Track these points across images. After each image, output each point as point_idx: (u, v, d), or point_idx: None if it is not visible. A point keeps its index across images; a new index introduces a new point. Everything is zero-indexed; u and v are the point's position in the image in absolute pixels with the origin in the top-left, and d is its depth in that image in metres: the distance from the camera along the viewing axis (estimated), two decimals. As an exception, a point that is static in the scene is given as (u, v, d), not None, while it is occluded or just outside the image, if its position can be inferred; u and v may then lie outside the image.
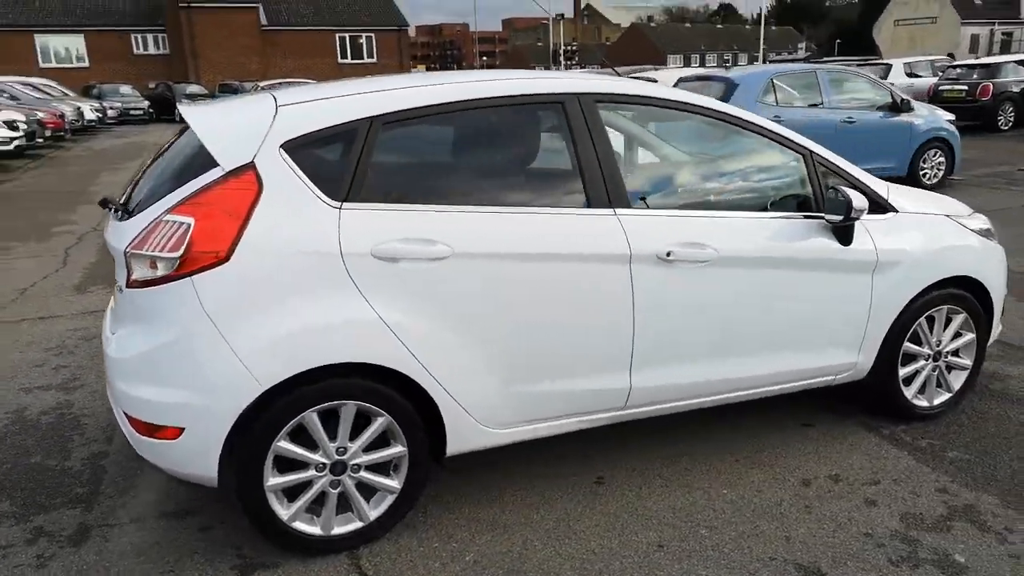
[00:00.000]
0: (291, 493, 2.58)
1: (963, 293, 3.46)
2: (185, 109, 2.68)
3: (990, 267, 3.53)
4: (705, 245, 2.90)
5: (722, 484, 3.05)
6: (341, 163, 2.53)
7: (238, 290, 2.36)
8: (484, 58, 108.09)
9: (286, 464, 2.53)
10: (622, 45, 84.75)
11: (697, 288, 2.92)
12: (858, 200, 2.99)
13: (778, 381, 3.22)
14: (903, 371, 3.47)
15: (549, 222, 2.71)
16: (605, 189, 2.82)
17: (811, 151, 3.19)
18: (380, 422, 2.58)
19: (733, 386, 3.13)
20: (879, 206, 3.30)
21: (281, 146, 2.48)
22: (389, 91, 2.66)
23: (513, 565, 2.57)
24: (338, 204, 2.48)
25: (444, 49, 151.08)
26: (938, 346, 3.52)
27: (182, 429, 2.39)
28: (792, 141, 3.18)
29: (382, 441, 2.64)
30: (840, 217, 3.01)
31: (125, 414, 2.49)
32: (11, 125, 13.40)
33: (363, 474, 2.62)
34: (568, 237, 2.72)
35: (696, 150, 3.37)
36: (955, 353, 3.60)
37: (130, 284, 2.44)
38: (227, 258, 2.35)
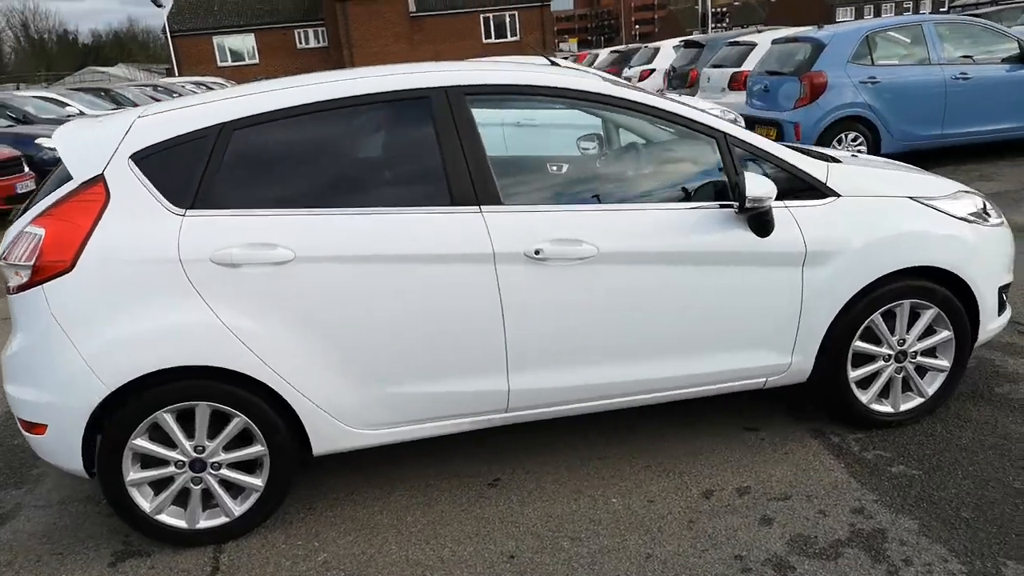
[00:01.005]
0: (159, 486, 2.72)
1: (931, 286, 3.02)
2: (58, 130, 2.85)
3: (974, 255, 3.05)
4: (581, 241, 2.73)
5: (616, 492, 2.89)
6: (189, 171, 2.61)
7: (82, 297, 2.52)
8: (637, 26, 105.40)
9: (148, 460, 2.67)
10: (788, 2, 79.60)
11: (577, 287, 2.76)
12: (756, 186, 2.68)
13: (696, 383, 2.98)
14: (856, 373, 3.09)
15: (407, 222, 2.66)
16: (471, 186, 2.72)
17: (725, 134, 2.90)
18: (236, 422, 2.66)
19: (643, 388, 2.93)
20: (815, 191, 2.94)
21: (130, 157, 2.60)
22: (241, 97, 2.71)
23: (357, 569, 2.58)
24: (182, 212, 2.57)
25: (601, 20, 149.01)
26: (902, 345, 3.11)
27: (46, 426, 2.59)
28: (701, 124, 2.90)
29: (244, 440, 2.72)
30: (736, 206, 2.71)
31: None
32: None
33: (225, 472, 2.72)
34: (428, 238, 2.66)
35: (594, 140, 3.16)
36: (929, 353, 3.16)
37: (8, 291, 2.66)
38: (71, 267, 2.51)
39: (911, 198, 3.05)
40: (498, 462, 3.16)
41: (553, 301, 2.76)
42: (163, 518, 2.72)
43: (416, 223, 2.66)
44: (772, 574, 2.39)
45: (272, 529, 2.83)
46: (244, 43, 43.42)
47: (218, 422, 2.67)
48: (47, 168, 10.85)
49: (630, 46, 18.36)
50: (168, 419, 2.62)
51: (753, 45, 10.84)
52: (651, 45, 16.83)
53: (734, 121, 8.08)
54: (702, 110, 2.99)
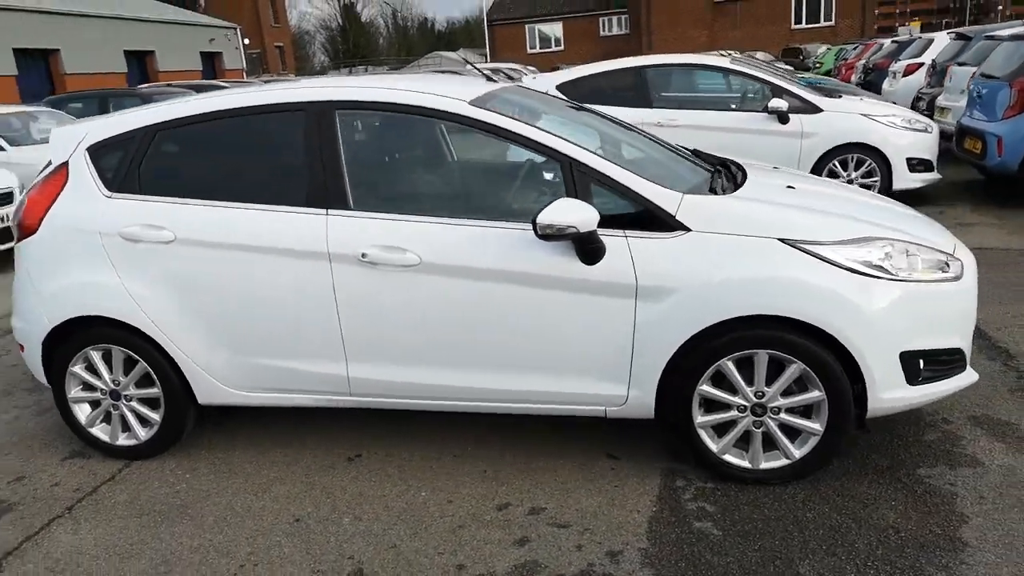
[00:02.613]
0: (95, 404, 3.48)
1: (792, 338, 2.73)
2: (55, 128, 3.67)
3: (855, 311, 2.68)
4: (406, 250, 2.94)
5: (433, 487, 3.07)
6: (120, 163, 3.30)
7: (40, 254, 3.33)
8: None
9: (88, 385, 3.43)
10: None
11: (402, 292, 2.98)
12: (554, 212, 2.66)
13: (527, 400, 3.03)
14: (706, 418, 2.90)
15: (267, 218, 3.09)
16: (325, 190, 3.06)
17: (572, 159, 2.87)
18: (139, 366, 3.32)
19: (472, 395, 3.07)
20: (662, 223, 2.81)
21: (87, 149, 3.35)
22: (171, 105, 3.32)
23: (193, 500, 3.10)
24: (109, 195, 3.27)
25: None
26: (760, 398, 2.84)
27: (23, 347, 3.47)
28: (550, 148, 2.90)
29: (148, 382, 3.37)
30: (539, 232, 2.71)
31: None
32: None
33: (133, 403, 3.40)
34: (282, 233, 3.07)
35: (462, 155, 3.26)
36: (799, 412, 2.84)
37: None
38: (35, 230, 3.33)
39: (781, 240, 2.76)
40: (370, 441, 3.47)
41: (381, 302, 3.01)
42: (96, 431, 3.47)
43: (274, 219, 3.08)
44: (471, 589, 2.47)
45: (162, 459, 3.45)
46: (552, 31, 45.69)
47: (129, 364, 3.34)
48: None
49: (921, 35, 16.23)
50: (95, 356, 3.35)
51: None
52: (926, 36, 14.88)
53: (924, 130, 7.16)
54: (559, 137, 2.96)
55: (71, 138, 3.41)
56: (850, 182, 7.14)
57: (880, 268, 2.74)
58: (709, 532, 2.66)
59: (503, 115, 2.98)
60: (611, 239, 2.81)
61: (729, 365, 2.81)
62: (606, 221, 2.81)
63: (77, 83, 26.79)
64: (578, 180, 2.86)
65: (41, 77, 27.67)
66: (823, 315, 2.68)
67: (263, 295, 3.11)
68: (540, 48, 44.41)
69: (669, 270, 2.78)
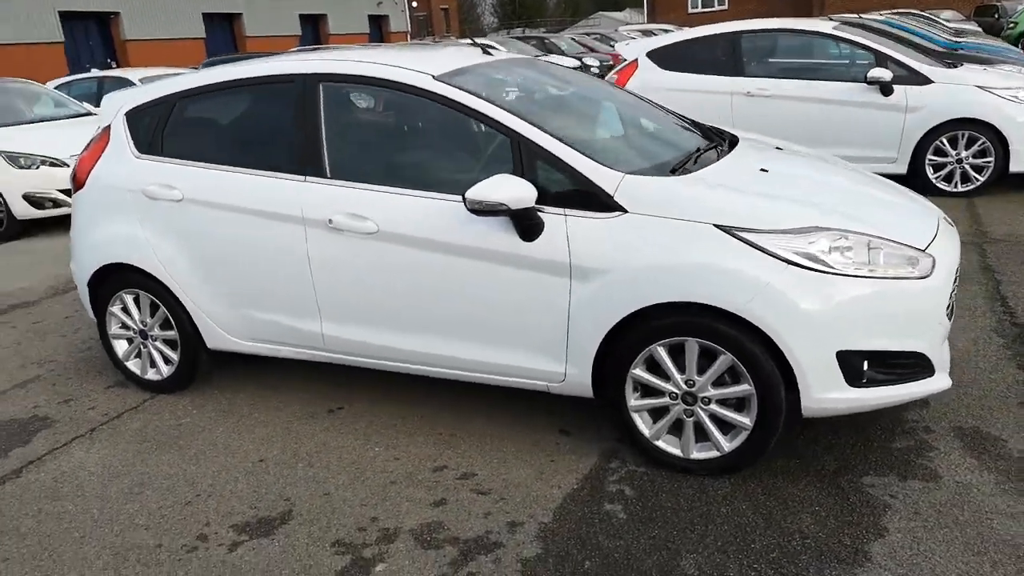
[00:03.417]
0: (129, 341, 3.96)
1: (721, 328, 2.66)
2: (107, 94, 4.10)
3: (788, 304, 2.56)
4: (366, 218, 3.12)
5: (387, 443, 3.27)
6: (150, 127, 3.69)
7: (86, 206, 3.81)
8: None
9: (123, 324, 3.91)
10: None
11: (364, 258, 3.17)
12: (485, 188, 2.73)
13: (480, 370, 3.15)
14: (639, 402, 2.90)
15: (257, 183, 3.37)
16: (305, 158, 3.29)
17: (519, 135, 2.91)
18: (160, 311, 3.74)
19: (430, 360, 3.23)
20: (601, 203, 2.80)
21: (125, 113, 3.77)
22: (194, 74, 3.66)
23: (188, 432, 3.50)
24: (139, 155, 3.67)
25: None
26: (691, 387, 2.79)
27: (76, 287, 4.00)
28: (500, 124, 2.95)
29: (168, 325, 3.78)
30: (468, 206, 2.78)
31: None
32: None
33: (158, 343, 3.84)
34: (266, 197, 3.34)
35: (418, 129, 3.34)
36: (730, 404, 2.77)
37: (81, 197, 4.10)
38: (82, 186, 3.81)
39: (716, 225, 2.67)
40: (354, 396, 3.72)
41: (346, 266, 3.21)
42: (130, 365, 3.96)
43: (262, 184, 3.35)
44: (379, 536, 2.65)
45: (180, 395, 3.87)
46: (717, -12, 43.58)
47: (154, 308, 3.77)
48: None
49: None
50: (128, 298, 3.81)
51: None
52: None
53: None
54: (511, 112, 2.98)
55: (116, 104, 3.84)
56: (959, 162, 6.50)
57: (819, 261, 2.59)
58: (615, 515, 2.68)
59: (463, 90, 3.05)
60: (551, 217, 2.84)
61: (660, 351, 2.78)
62: (552, 198, 2.84)
63: (257, 45, 28.90)
64: (525, 156, 2.90)
65: (226, 40, 30.08)
66: (749, 306, 2.59)
67: (252, 253, 3.40)
68: (702, 7, 42.46)
69: (602, 251, 2.77)
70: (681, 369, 2.78)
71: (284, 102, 3.38)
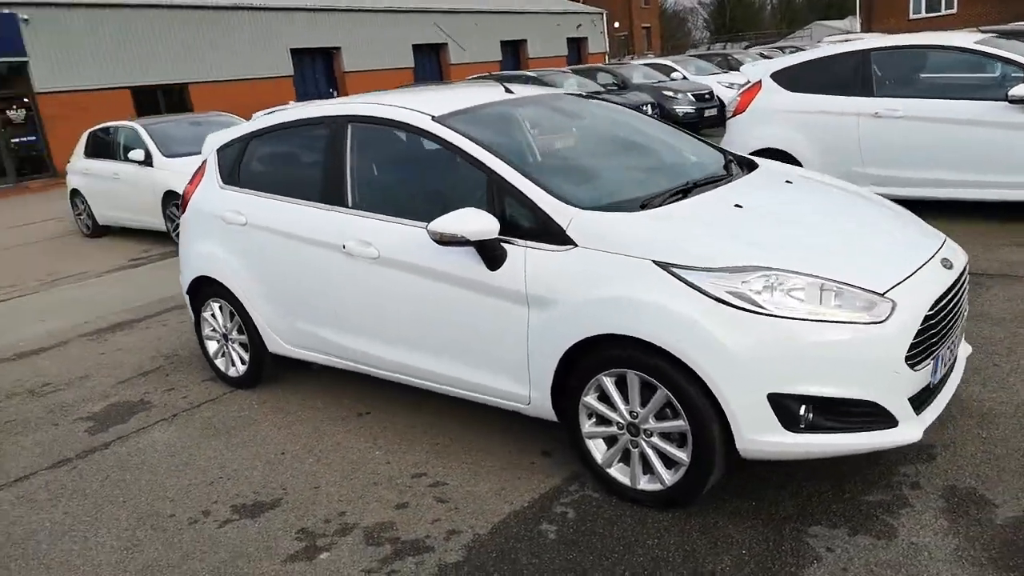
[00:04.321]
0: (218, 342, 4.61)
1: (657, 363, 2.69)
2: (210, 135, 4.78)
3: (716, 344, 2.54)
4: (370, 244, 3.47)
5: (387, 447, 3.59)
6: (232, 162, 4.32)
7: (186, 228, 4.53)
8: None
9: (212, 326, 4.59)
10: None
11: (371, 280, 3.52)
12: (445, 221, 2.96)
13: (463, 387, 3.37)
14: (594, 429, 2.98)
15: (300, 211, 3.86)
16: (332, 190, 3.72)
17: (492, 170, 3.11)
18: (236, 318, 4.35)
19: (422, 375, 3.51)
20: (556, 236, 2.94)
21: (216, 149, 4.44)
22: (267, 116, 4.24)
23: (226, 424, 4.05)
24: (223, 186, 4.32)
25: None
26: (634, 418, 2.84)
27: (183, 289, 4.75)
28: (477, 160, 3.16)
29: (240, 330, 4.38)
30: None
31: None
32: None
33: (235, 345, 4.46)
34: (305, 224, 3.81)
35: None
36: (672, 439, 2.78)
37: (193, 218, 4.84)
38: (186, 208, 4.53)
39: (656, 262, 2.70)
40: (383, 403, 4.07)
41: (356, 285, 3.58)
42: (217, 363, 4.62)
43: (304, 212, 3.82)
44: (337, 529, 2.97)
45: (252, 391, 4.45)
46: (948, -9, 39.74)
47: (232, 316, 4.39)
48: None
49: None
50: (215, 306, 4.46)
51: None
52: None
53: None
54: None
55: (213, 142, 4.53)
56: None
57: (751, 300, 2.55)
58: (546, 534, 2.79)
59: (453, 130, 3.31)
60: (516, 248, 3.01)
61: (606, 381, 2.85)
62: (518, 231, 3.02)
63: (459, 71, 30.80)
64: (496, 191, 3.10)
65: (433, 68, 32.37)
66: (679, 343, 2.60)
67: (294, 272, 3.88)
68: (926, 12, 38.81)
69: (554, 282, 2.90)
70: (628, 400, 2.84)
71: (319, 141, 3.84)
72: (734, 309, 2.55)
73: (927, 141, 6.32)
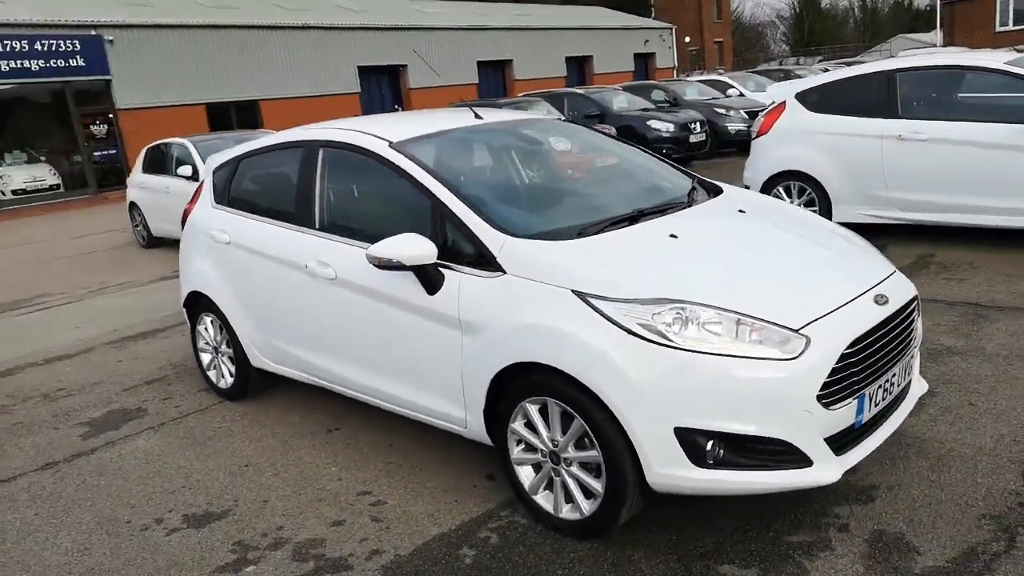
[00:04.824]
0: (210, 356, 4.80)
1: (573, 393, 2.69)
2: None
3: (623, 376, 2.52)
4: (328, 265, 3.58)
5: (345, 465, 3.67)
6: (223, 182, 4.51)
7: (184, 244, 4.75)
8: None
9: (205, 339, 4.78)
10: None
11: (331, 299, 3.62)
12: (382, 246, 3.02)
13: (409, 408, 3.42)
14: (522, 456, 2.99)
15: (271, 231, 4.00)
16: (302, 212, 3.84)
17: (435, 196, 3.17)
18: (224, 332, 4.53)
19: (379, 396, 3.58)
20: (489, 263, 2.97)
21: (212, 170, 4.65)
22: (255, 140, 4.41)
23: (202, 435, 4.21)
24: (215, 205, 4.51)
25: None
26: (556, 446, 2.84)
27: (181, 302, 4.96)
28: (423, 186, 3.22)
29: (228, 344, 4.55)
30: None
31: None
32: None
33: (224, 359, 4.63)
34: (275, 244, 3.95)
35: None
36: (591, 469, 2.77)
37: (196, 235, 5.07)
38: (184, 225, 4.75)
39: (574, 291, 2.71)
40: (354, 419, 4.16)
41: (320, 307, 3.69)
42: (210, 374, 4.81)
43: (275, 232, 3.96)
44: (271, 543, 3.06)
45: (236, 403, 4.60)
46: (1038, 2, 37.86)
47: (220, 329, 4.57)
48: (659, 144, 13.40)
49: None
50: (207, 319, 4.65)
51: None
52: None
53: None
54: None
55: (212, 162, 4.73)
56: None
57: (659, 333, 2.52)
58: (462, 559, 2.81)
59: (404, 155, 3.38)
60: (453, 274, 3.06)
61: (530, 408, 2.86)
62: (458, 257, 3.07)
63: (523, 87, 31.06)
64: (439, 217, 3.16)
65: (498, 83, 32.74)
66: (590, 373, 2.60)
67: (267, 290, 4.02)
68: (1013, 25, 37.06)
69: (484, 308, 2.94)
70: (551, 428, 2.84)
71: (295, 164, 3.97)
72: (644, 341, 2.53)
73: (952, 165, 6.08)
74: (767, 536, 2.75)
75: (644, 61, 39.62)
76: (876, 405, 2.74)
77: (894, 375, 2.81)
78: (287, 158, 4.10)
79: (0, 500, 3.72)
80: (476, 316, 2.95)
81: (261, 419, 4.35)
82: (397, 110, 28.54)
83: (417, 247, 3.01)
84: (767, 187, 7.31)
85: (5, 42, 19.74)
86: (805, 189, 7.05)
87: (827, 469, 2.54)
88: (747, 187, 7.56)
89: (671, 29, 40.84)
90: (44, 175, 20.86)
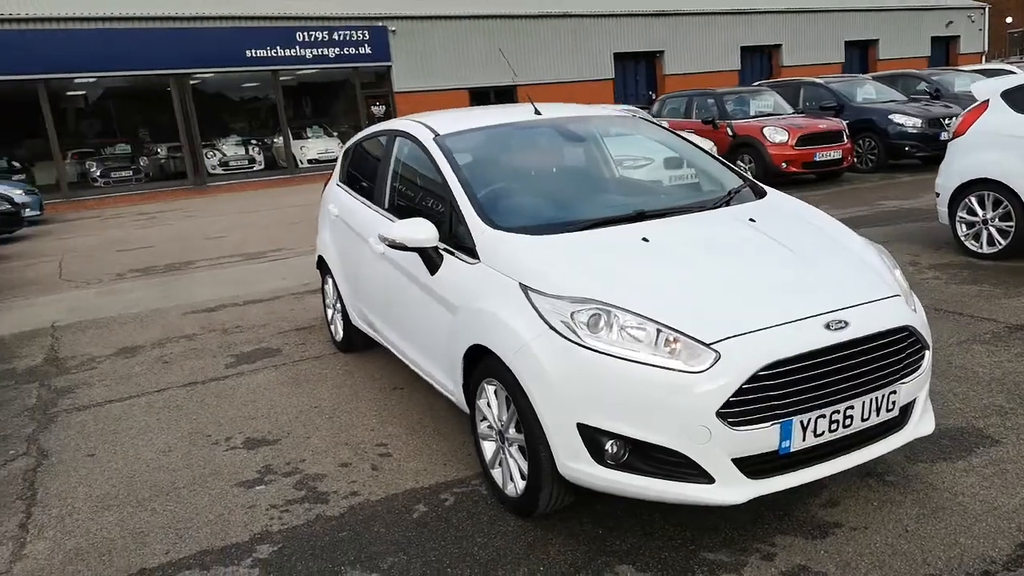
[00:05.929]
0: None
1: (511, 379, 2.85)
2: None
3: (538, 368, 2.65)
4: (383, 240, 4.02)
5: (385, 421, 4.12)
6: (344, 163, 5.15)
7: (320, 212, 5.49)
8: None
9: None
10: None
11: (379, 270, 4.09)
12: (395, 228, 3.38)
13: (422, 371, 3.79)
14: (487, 431, 3.20)
15: (363, 210, 4.54)
16: (378, 192, 4.33)
17: (448, 187, 3.46)
18: (338, 292, 5.21)
19: (405, 358, 4.00)
20: (471, 251, 3.21)
21: (343, 151, 5.32)
22: (364, 131, 4.98)
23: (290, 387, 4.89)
24: (337, 183, 5.18)
25: None
26: (501, 425, 3.02)
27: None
28: (443, 176, 3.53)
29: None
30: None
31: None
32: None
33: (336, 315, 5.31)
34: (359, 219, 4.49)
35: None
36: (523, 451, 2.92)
37: (340, 206, 5.81)
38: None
39: (520, 284, 2.85)
40: (418, 383, 4.57)
41: (373, 273, 4.17)
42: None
43: (359, 209, 4.50)
44: (288, 471, 3.60)
45: (343, 355, 5.25)
46: None
47: (334, 287, 5.24)
48: (902, 141, 12.34)
49: None
50: (329, 279, 5.36)
51: None
52: None
53: None
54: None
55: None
56: None
57: (573, 331, 2.60)
58: (411, 512, 3.10)
59: (439, 147, 3.69)
60: (450, 258, 3.34)
61: (487, 388, 3.07)
62: (459, 241, 3.34)
63: (791, 74, 29.34)
64: (448, 205, 3.45)
65: (763, 69, 31.21)
66: (515, 362, 2.75)
67: (353, 258, 4.58)
68: None
69: (461, 292, 3.19)
70: (499, 409, 3.02)
71: (380, 149, 4.46)
72: (559, 336, 2.63)
73: None
74: (687, 548, 2.70)
75: (945, 45, 35.23)
76: (817, 435, 2.55)
77: (851, 408, 2.59)
78: (379, 144, 4.60)
79: (145, 405, 4.68)
80: (457, 298, 3.20)
81: (352, 370, 4.94)
82: (651, 97, 28.44)
83: (419, 231, 3.32)
84: (957, 196, 6.48)
85: (310, 33, 22.97)
86: (1000, 201, 6.16)
87: (730, 490, 2.46)
88: (937, 195, 6.76)
89: (983, 9, 35.78)
90: (334, 148, 23.95)
